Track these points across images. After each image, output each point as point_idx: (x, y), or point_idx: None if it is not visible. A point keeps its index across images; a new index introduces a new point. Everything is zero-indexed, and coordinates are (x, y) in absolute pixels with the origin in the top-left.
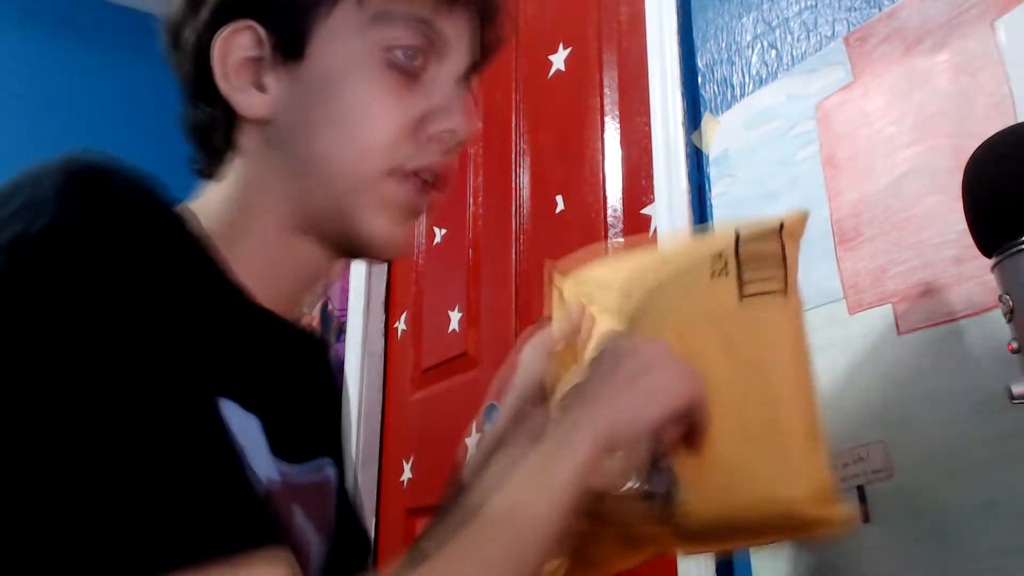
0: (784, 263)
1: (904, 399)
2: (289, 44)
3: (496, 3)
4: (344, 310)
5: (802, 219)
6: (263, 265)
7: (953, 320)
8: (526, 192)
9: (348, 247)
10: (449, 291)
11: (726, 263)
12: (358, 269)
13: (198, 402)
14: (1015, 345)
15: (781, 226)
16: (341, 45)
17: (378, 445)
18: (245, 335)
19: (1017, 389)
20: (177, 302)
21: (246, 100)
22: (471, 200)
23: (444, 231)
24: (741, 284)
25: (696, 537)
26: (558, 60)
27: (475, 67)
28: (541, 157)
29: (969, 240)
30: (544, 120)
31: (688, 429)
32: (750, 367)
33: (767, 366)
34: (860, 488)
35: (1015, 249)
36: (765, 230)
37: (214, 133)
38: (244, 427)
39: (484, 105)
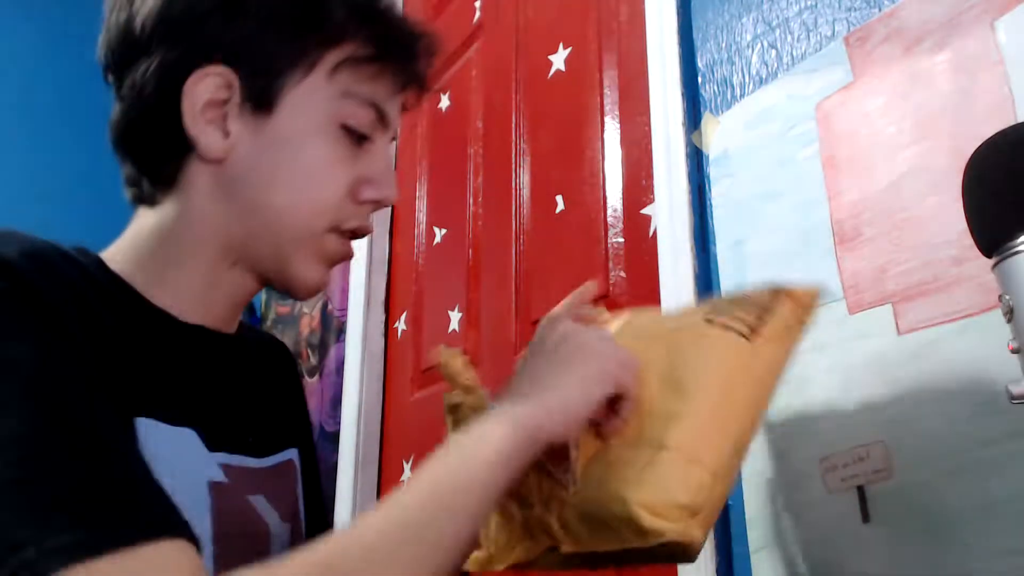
0: (766, 315)
1: (904, 399)
2: (260, 98)
3: (431, 82)
4: (344, 310)
5: (812, 294)
6: (196, 290)
7: (953, 320)
8: (526, 192)
9: (275, 284)
10: (449, 291)
11: (717, 301)
12: (358, 269)
13: (94, 421)
14: (1015, 345)
15: (788, 291)
16: (307, 110)
17: (378, 445)
18: (174, 352)
19: (1017, 389)
20: (81, 342)
21: (209, 141)
22: (471, 200)
23: (444, 231)
24: (712, 311)
25: (575, 532)
26: (558, 60)
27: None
28: (541, 157)
29: (969, 240)
30: (544, 120)
31: (606, 416)
32: (674, 380)
33: (690, 387)
34: (860, 488)
35: (1015, 249)
36: (772, 286)
37: (164, 161)
38: (172, 438)
39: (484, 105)
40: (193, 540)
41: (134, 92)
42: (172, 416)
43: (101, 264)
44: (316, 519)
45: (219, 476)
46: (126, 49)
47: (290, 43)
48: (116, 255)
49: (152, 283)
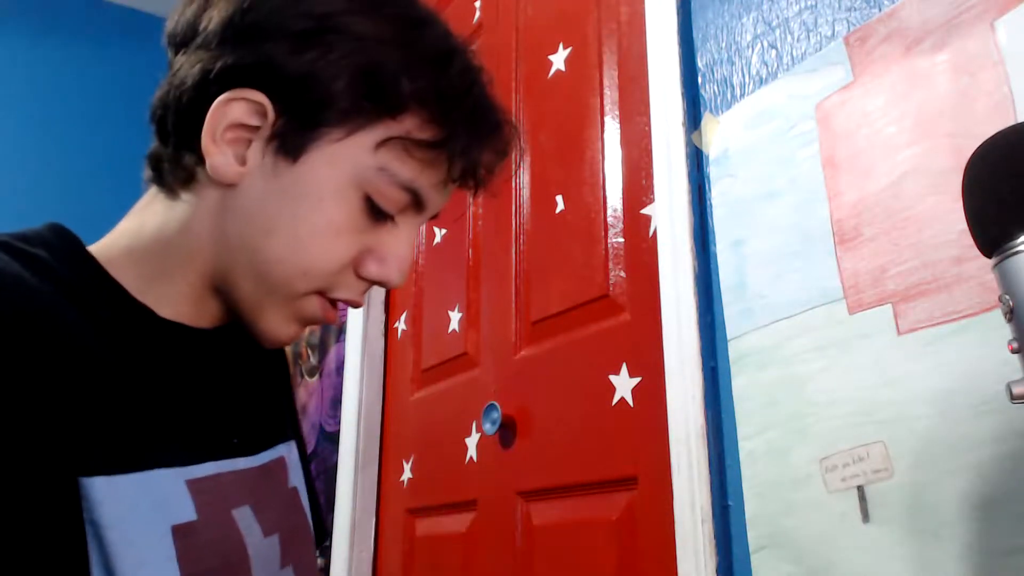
0: None
1: (904, 399)
2: (291, 142)
3: (496, 175)
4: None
5: None
6: (182, 296)
7: (953, 320)
8: (526, 192)
9: (245, 325)
10: (449, 291)
11: None
12: None
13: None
14: (1015, 345)
15: None
16: (335, 171)
17: (378, 445)
18: (151, 356)
19: (1017, 389)
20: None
21: (223, 164)
22: (471, 200)
23: (444, 231)
24: None
25: None
26: (558, 60)
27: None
28: (541, 157)
29: (969, 240)
30: (544, 120)
31: None
32: None
33: None
34: (860, 488)
35: (1015, 249)
36: None
37: (177, 169)
38: (130, 492)
39: None
40: None
41: (177, 77)
42: (134, 459)
43: (77, 254)
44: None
45: (187, 515)
46: (189, 32)
47: (344, 97)
48: (108, 247)
49: (137, 279)
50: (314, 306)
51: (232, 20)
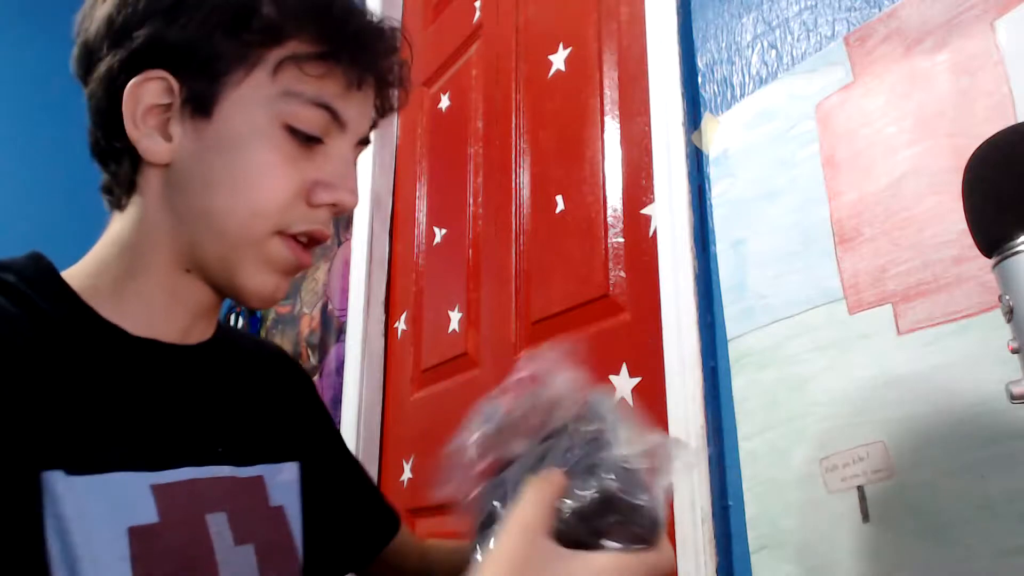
0: None
1: (904, 399)
2: (199, 101)
3: (395, 79)
4: (344, 310)
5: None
6: (154, 302)
7: (953, 320)
8: (526, 192)
9: (228, 293)
10: (449, 291)
11: None
12: (358, 269)
13: None
14: (1015, 345)
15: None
16: (247, 111)
17: (378, 445)
18: (118, 371)
19: (1017, 389)
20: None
21: (151, 146)
22: (471, 200)
23: (444, 231)
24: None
25: None
26: (558, 60)
27: (372, 128)
28: (541, 157)
29: (969, 240)
30: (544, 120)
31: None
32: None
33: None
34: (860, 488)
35: (1015, 249)
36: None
37: (119, 168)
38: (87, 490)
39: (484, 105)
40: None
41: (90, 98)
42: (92, 462)
43: (48, 279)
44: (332, 531)
45: (148, 517)
46: (85, 57)
47: (226, 45)
48: (81, 268)
49: (109, 295)
50: (280, 248)
51: (111, 20)
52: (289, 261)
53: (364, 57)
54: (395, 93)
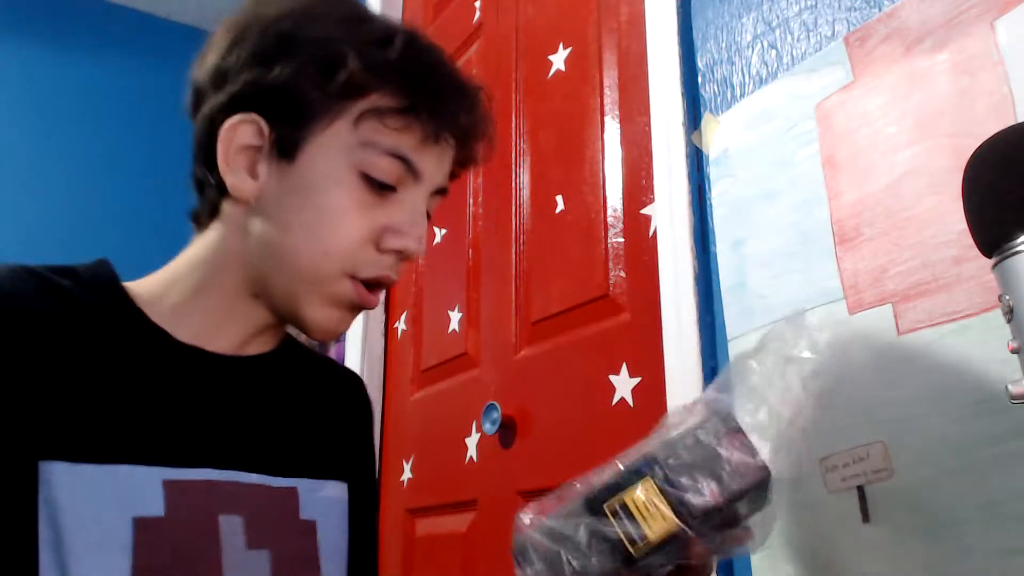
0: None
1: (904, 399)
2: (285, 145)
3: (476, 134)
4: None
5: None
6: (212, 316)
7: (953, 320)
8: (526, 192)
9: (292, 322)
10: (449, 291)
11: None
12: None
13: None
14: (1015, 345)
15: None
16: (328, 157)
17: (378, 445)
18: (153, 371)
19: (1017, 389)
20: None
21: (238, 182)
22: (471, 200)
23: (444, 231)
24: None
25: None
26: (558, 60)
27: (454, 179)
28: (541, 157)
29: (969, 240)
30: (544, 120)
31: None
32: None
33: None
34: (860, 488)
35: (1015, 249)
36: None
37: (208, 195)
38: (92, 479)
39: None
40: None
41: (194, 133)
42: (103, 452)
43: (103, 282)
44: (360, 561)
45: (154, 510)
46: (194, 98)
47: (314, 94)
48: (151, 278)
49: (168, 305)
50: (346, 288)
51: (217, 65)
52: (352, 300)
53: (443, 113)
54: (478, 146)
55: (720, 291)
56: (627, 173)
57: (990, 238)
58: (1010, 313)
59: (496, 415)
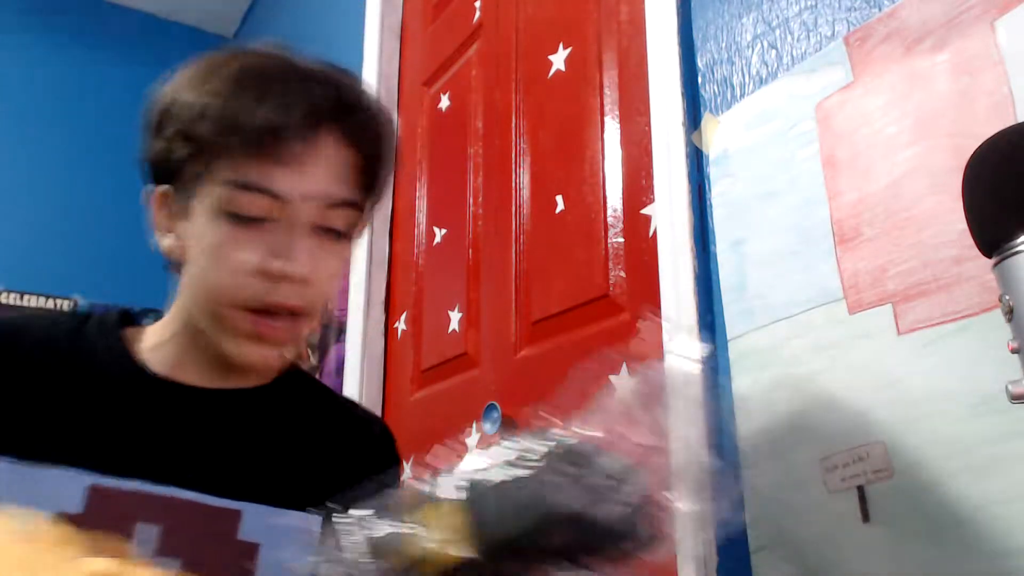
0: None
1: (904, 399)
2: (180, 205)
3: (284, 140)
4: (344, 310)
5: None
6: (186, 349)
7: (953, 320)
8: (526, 192)
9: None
10: (449, 291)
11: None
12: (358, 269)
13: None
14: (1015, 345)
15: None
16: (205, 207)
17: None
18: (119, 400)
19: (1017, 389)
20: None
21: (163, 243)
22: (471, 200)
23: (444, 231)
24: None
25: None
26: (558, 60)
27: (370, 187)
28: (541, 157)
29: (969, 240)
30: (544, 120)
31: None
32: None
33: None
34: (860, 488)
35: (1015, 249)
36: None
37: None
38: (22, 476)
39: (484, 105)
40: None
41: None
42: (35, 454)
43: (107, 325)
44: None
45: (73, 508)
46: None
47: (187, 158)
48: (158, 322)
49: (156, 343)
50: (243, 320)
51: (142, 151)
52: (250, 331)
53: (262, 128)
54: (363, 145)
55: (720, 291)
56: (627, 173)
57: (990, 238)
58: (1010, 313)
59: (496, 415)
